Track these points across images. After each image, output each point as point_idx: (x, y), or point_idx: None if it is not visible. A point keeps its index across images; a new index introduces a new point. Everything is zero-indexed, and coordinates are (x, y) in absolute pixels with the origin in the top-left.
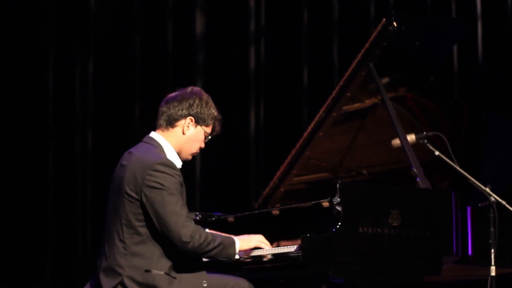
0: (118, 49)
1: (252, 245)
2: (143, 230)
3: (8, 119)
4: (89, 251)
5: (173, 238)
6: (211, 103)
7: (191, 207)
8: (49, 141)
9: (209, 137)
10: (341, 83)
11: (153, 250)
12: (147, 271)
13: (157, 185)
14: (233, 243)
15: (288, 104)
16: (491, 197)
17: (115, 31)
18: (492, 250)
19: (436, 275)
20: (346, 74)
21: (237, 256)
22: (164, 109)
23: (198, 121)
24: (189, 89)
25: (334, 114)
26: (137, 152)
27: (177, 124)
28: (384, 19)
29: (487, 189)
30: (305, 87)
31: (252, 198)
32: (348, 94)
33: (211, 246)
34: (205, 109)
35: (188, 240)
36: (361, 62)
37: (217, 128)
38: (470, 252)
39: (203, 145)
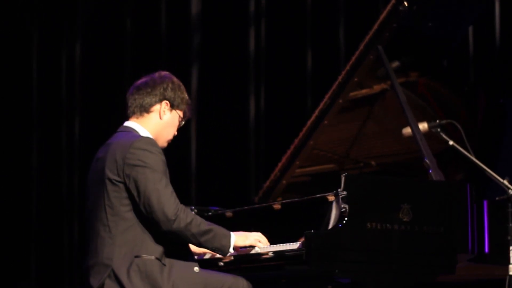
0: (108, 30)
1: (248, 243)
2: (130, 215)
3: None
4: (75, 249)
5: (157, 218)
6: (182, 86)
7: (186, 200)
8: (33, 130)
9: (182, 122)
10: (347, 67)
11: (142, 236)
12: (137, 256)
13: (139, 163)
14: (228, 235)
15: (290, 90)
16: (510, 190)
17: (104, 11)
18: (511, 248)
19: (450, 274)
20: (353, 58)
21: (231, 251)
22: (136, 96)
23: (173, 105)
24: (158, 73)
25: (340, 101)
26: (115, 140)
27: (152, 109)
28: None
29: (505, 182)
30: (309, 72)
31: (252, 191)
32: (355, 80)
33: (199, 229)
34: (179, 92)
35: (173, 218)
36: (369, 44)
37: (188, 113)
38: (486, 250)
39: (176, 132)
